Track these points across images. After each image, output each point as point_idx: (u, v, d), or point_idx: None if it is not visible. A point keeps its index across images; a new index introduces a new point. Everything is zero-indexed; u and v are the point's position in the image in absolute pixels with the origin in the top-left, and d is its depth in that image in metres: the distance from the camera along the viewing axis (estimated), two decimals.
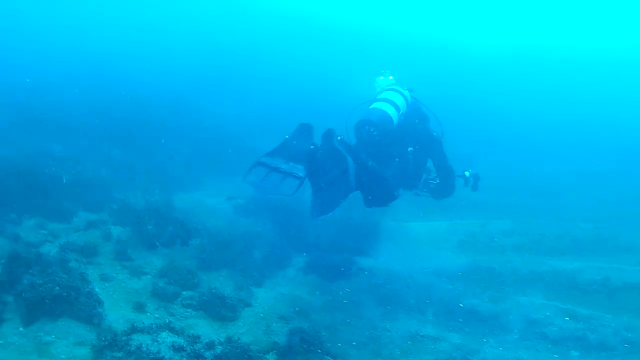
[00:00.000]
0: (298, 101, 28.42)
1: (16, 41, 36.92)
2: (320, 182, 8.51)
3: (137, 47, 42.50)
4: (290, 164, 8.51)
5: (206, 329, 9.97)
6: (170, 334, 9.11)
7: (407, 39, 60.75)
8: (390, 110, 9.48)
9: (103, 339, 8.45)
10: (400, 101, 9.78)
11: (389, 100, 9.67)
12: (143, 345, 8.34)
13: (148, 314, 10.13)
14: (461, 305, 11.41)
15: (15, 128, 19.31)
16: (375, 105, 9.67)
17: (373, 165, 8.85)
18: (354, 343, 10.09)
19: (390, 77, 11.03)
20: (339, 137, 8.47)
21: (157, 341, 8.68)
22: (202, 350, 8.83)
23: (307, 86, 34.71)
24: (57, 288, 9.24)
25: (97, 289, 10.18)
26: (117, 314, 9.77)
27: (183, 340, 8.96)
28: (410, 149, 9.78)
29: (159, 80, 30.17)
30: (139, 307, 10.20)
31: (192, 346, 8.85)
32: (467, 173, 10.33)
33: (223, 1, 65.15)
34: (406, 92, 10.10)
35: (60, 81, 26.38)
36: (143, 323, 9.17)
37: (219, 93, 30.00)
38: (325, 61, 45.44)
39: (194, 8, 62.69)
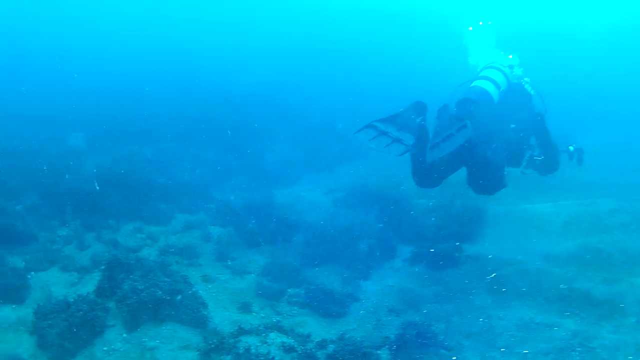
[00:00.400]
0: (392, 91, 27.60)
1: (103, 45, 37.48)
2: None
3: (225, 45, 42.58)
4: (401, 132, 8.24)
5: (315, 327, 9.45)
6: (279, 334, 8.57)
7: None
8: (490, 88, 9.25)
9: (210, 342, 8.03)
10: (500, 78, 9.52)
11: (489, 77, 9.44)
12: (252, 347, 7.82)
13: (254, 314, 9.68)
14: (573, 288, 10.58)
15: (108, 136, 19.21)
16: (475, 83, 9.44)
17: (494, 149, 8.67)
18: (467, 334, 9.43)
19: (510, 57, 10.69)
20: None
21: (266, 342, 8.14)
22: (313, 350, 8.27)
23: (401, 76, 33.84)
24: (160, 292, 8.90)
25: (200, 291, 9.77)
26: (222, 316, 9.35)
27: (293, 340, 8.41)
28: (512, 126, 9.36)
29: (250, 78, 29.83)
30: (245, 308, 9.75)
31: (303, 346, 8.30)
32: (571, 148, 10.06)
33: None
34: (507, 70, 9.86)
35: (147, 85, 26.34)
36: (250, 324, 8.68)
37: (310, 88, 29.45)
38: (417, 50, 44.41)
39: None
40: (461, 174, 9.46)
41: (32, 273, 10.59)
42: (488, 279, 10.98)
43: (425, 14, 61.65)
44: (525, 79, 10.32)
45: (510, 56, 10.69)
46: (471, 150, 8.39)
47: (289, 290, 10.36)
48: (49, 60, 31.66)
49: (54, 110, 21.74)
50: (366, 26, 55.13)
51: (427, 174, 8.73)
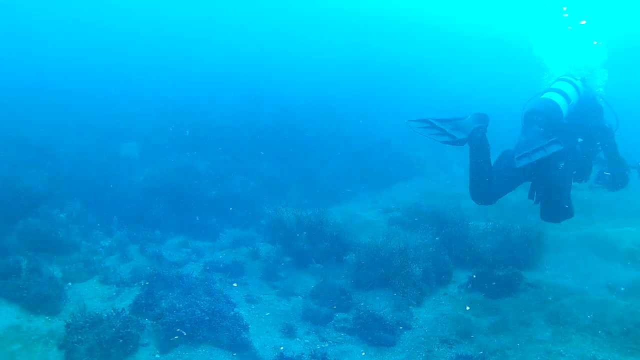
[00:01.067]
0: (449, 103, 26.92)
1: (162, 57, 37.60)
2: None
3: (281, 58, 42.35)
4: (454, 131, 8.19)
5: (362, 357, 8.77)
6: None
7: None
8: (559, 100, 9.08)
9: None
10: (570, 91, 9.36)
11: (559, 90, 9.28)
12: None
13: (298, 339, 9.02)
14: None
15: (162, 146, 18.92)
16: (545, 95, 9.27)
17: (562, 167, 8.60)
18: None
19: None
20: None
21: None
22: None
23: (455, 89, 33.15)
24: (199, 311, 8.35)
25: (242, 312, 9.20)
26: (263, 340, 8.71)
27: None
28: (579, 140, 9.28)
29: (308, 91, 29.45)
30: (289, 332, 9.09)
31: None
32: None
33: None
34: (578, 82, 9.65)
35: (204, 97, 26.11)
36: (293, 351, 8.06)
37: (370, 103, 28.93)
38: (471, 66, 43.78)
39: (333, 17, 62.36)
40: (521, 196, 9.39)
41: (70, 284, 10.20)
42: (547, 308, 10.17)
43: (485, 30, 61.45)
44: (599, 89, 10.29)
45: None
46: (542, 165, 8.35)
47: (336, 314, 9.67)
48: (108, 71, 31.77)
49: (110, 119, 21.66)
50: (426, 42, 54.68)
51: (487, 188, 8.55)
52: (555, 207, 8.74)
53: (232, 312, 8.80)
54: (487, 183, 8.47)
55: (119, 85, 27.92)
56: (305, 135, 20.65)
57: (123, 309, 8.72)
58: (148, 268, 10.54)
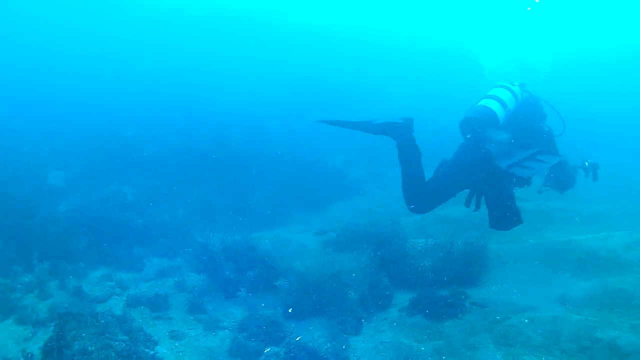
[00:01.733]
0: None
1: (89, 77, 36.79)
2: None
3: (214, 77, 41.72)
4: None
5: None
6: None
7: None
8: (495, 106, 9.04)
9: None
10: (506, 97, 9.29)
11: (495, 96, 9.23)
12: None
13: None
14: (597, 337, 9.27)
15: (89, 174, 18.18)
16: (480, 102, 9.20)
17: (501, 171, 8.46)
18: None
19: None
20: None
21: None
22: None
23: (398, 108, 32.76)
24: (113, 354, 7.68)
25: (164, 351, 8.58)
26: None
27: None
28: (512, 141, 9.21)
29: (239, 111, 28.87)
30: None
31: None
32: (586, 163, 9.91)
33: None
34: (516, 88, 9.56)
35: (133, 119, 25.34)
36: None
37: (303, 122, 28.38)
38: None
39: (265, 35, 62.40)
40: (462, 210, 9.34)
41: None
42: (496, 329, 9.70)
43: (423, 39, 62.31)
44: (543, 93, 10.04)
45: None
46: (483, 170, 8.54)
47: (266, 349, 9.10)
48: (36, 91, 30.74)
49: (40, 144, 20.96)
50: (365, 57, 54.77)
51: (419, 193, 8.72)
52: (504, 213, 8.79)
53: (152, 352, 8.17)
54: (419, 187, 8.64)
55: (49, 106, 26.99)
56: (240, 157, 20.11)
57: (32, 353, 8.04)
58: (65, 305, 9.87)
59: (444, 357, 9.08)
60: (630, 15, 56.97)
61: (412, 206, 8.85)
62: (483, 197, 9.00)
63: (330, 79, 40.16)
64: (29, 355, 7.92)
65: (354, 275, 11.19)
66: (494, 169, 8.40)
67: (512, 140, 9.23)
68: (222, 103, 30.97)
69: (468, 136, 9.11)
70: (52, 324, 9.55)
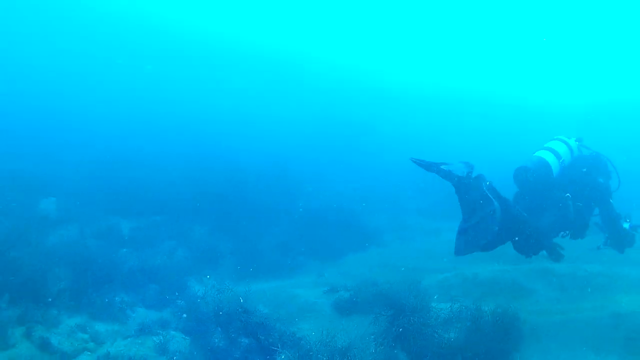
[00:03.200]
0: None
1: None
2: (466, 224, 8.74)
3: (232, 114, 40.45)
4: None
5: None
6: None
7: None
8: (550, 158, 9.52)
9: None
10: (562, 150, 9.76)
11: (551, 149, 9.69)
12: None
13: None
14: None
15: (86, 203, 16.75)
16: (537, 153, 9.68)
17: (519, 210, 8.90)
18: None
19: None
20: (487, 182, 8.61)
21: None
22: None
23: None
24: None
25: None
26: None
27: None
28: (567, 195, 9.48)
29: (257, 149, 27.42)
30: None
31: None
32: (625, 225, 9.94)
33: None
34: (572, 142, 10.03)
35: (148, 149, 23.91)
36: None
37: (322, 165, 26.90)
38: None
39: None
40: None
41: None
42: None
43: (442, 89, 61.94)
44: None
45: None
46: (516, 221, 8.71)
47: None
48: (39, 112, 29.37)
49: (36, 167, 19.43)
50: (380, 104, 53.86)
51: (475, 243, 8.77)
52: (531, 241, 9.02)
53: None
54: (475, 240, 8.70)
55: (51, 129, 25.60)
56: (251, 197, 18.66)
57: None
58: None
59: None
60: None
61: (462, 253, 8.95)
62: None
63: (352, 125, 38.83)
64: None
65: (366, 349, 9.50)
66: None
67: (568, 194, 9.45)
68: (236, 139, 29.53)
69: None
70: None
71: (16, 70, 45.82)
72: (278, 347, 8.94)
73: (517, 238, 9.09)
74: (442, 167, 8.87)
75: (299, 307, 11.65)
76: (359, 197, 22.18)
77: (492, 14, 55.86)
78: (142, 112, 35.15)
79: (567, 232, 9.87)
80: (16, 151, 20.89)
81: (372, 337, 9.98)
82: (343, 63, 68.67)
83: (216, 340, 9.26)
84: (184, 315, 10.46)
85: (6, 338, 9.54)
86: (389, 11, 59.74)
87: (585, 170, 9.91)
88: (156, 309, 11.39)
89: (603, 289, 12.20)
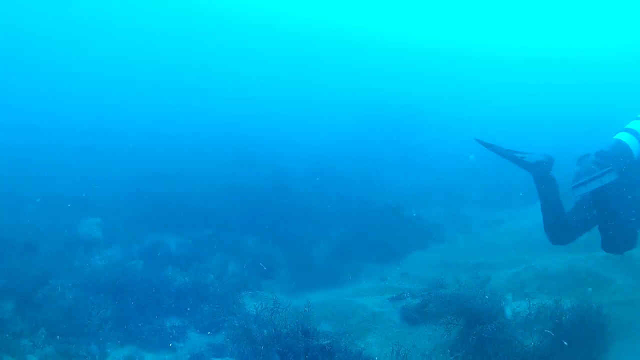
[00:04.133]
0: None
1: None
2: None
3: (274, 112, 39.50)
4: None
5: None
6: None
7: None
8: (628, 139, 8.74)
9: None
10: None
11: (632, 129, 8.89)
12: None
13: None
14: None
15: (131, 221, 16.26)
16: (616, 136, 8.95)
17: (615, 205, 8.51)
18: None
19: None
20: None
21: None
22: None
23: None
24: None
25: None
26: None
27: None
28: None
29: (304, 150, 26.38)
30: None
31: None
32: None
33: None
34: None
35: (189, 159, 23.13)
36: None
37: (371, 159, 25.79)
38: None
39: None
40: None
41: None
42: None
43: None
44: None
45: None
46: (607, 201, 8.39)
47: None
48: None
49: (73, 187, 18.68)
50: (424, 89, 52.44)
51: (562, 227, 8.94)
52: (616, 234, 8.62)
53: None
54: (560, 220, 8.87)
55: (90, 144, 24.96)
56: (301, 202, 17.80)
57: None
58: None
59: None
60: None
61: (553, 237, 9.11)
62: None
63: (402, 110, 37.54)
64: None
65: None
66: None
67: None
68: (287, 143, 28.32)
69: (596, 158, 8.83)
70: None
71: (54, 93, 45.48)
72: None
73: (608, 233, 8.71)
74: (516, 154, 8.99)
75: (364, 319, 10.63)
76: (411, 190, 21.19)
77: None
78: (182, 122, 34.42)
79: None
80: (55, 173, 20.23)
81: (448, 350, 8.99)
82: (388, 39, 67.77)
83: None
84: (239, 339, 9.54)
85: None
86: None
87: None
88: (210, 332, 10.53)
89: None
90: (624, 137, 8.79)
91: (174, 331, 10.38)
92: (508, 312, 9.73)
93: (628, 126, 8.99)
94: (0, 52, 52.46)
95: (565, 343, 8.37)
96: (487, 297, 10.08)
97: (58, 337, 9.76)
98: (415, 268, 14.22)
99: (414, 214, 17.51)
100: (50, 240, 14.11)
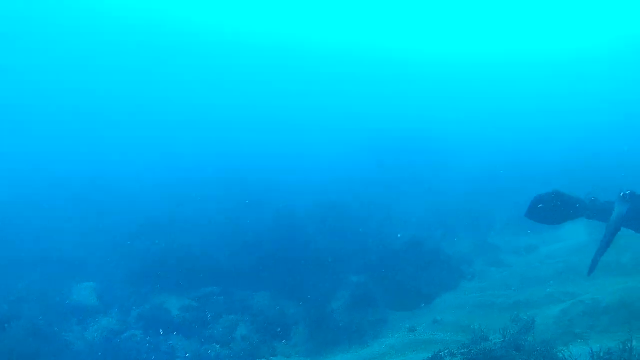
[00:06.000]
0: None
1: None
2: None
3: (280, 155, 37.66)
4: None
5: None
6: None
7: None
8: None
9: None
10: None
11: None
12: None
13: None
14: None
15: (125, 280, 14.93)
16: None
17: None
18: None
19: None
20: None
21: None
22: None
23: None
24: None
25: None
26: None
27: None
28: None
29: (310, 189, 24.66)
30: None
31: None
32: None
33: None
34: None
35: (190, 208, 21.53)
36: None
37: (384, 192, 24.10)
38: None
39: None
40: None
41: None
42: None
43: None
44: None
45: None
46: None
47: None
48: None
49: (65, 248, 17.15)
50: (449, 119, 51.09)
51: None
52: None
53: None
54: None
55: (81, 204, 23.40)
56: (312, 248, 15.94)
57: None
58: None
59: None
60: None
61: None
62: None
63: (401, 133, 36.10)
64: None
65: None
66: None
67: None
68: (291, 184, 26.44)
69: None
70: None
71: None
72: None
73: None
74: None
75: None
76: (433, 220, 19.64)
77: None
78: (174, 165, 32.89)
79: None
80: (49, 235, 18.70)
81: None
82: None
83: None
84: None
85: None
86: None
87: None
88: None
89: None
90: None
91: None
92: None
93: None
94: None
95: None
96: (538, 348, 8.67)
97: None
98: (448, 313, 12.69)
99: (439, 249, 15.97)
100: (41, 308, 12.97)
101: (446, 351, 9.91)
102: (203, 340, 11.51)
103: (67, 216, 20.61)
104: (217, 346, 11.28)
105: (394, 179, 25.69)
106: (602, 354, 8.19)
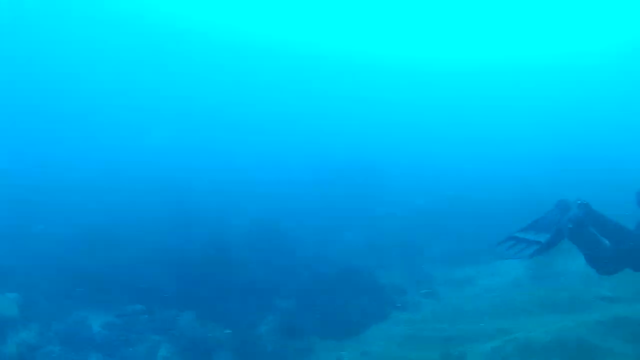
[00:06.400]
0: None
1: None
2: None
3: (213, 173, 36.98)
4: (539, 234, 8.39)
5: None
6: None
7: None
8: None
9: None
10: None
11: None
12: None
13: None
14: None
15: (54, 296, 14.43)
16: None
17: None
18: None
19: None
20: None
21: None
22: None
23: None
24: None
25: None
26: None
27: None
28: None
29: (246, 205, 24.42)
30: None
31: None
32: None
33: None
34: None
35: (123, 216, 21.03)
36: None
37: (320, 212, 23.87)
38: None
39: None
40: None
41: None
42: None
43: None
44: None
45: None
46: None
47: None
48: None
49: None
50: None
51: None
52: None
53: None
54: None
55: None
56: (243, 268, 15.87)
57: None
58: None
59: None
60: None
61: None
62: None
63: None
64: None
65: None
66: None
67: None
68: (227, 200, 26.10)
69: None
70: None
71: None
72: None
73: None
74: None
75: None
76: (367, 247, 19.57)
77: None
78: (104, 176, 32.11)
79: None
80: None
81: None
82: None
83: None
84: None
85: None
86: None
87: None
88: None
89: None
90: None
91: None
92: None
93: None
94: None
95: None
96: None
97: None
98: (378, 345, 12.58)
99: (373, 277, 15.83)
100: None
101: None
102: (126, 357, 11.21)
103: None
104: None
105: (335, 203, 25.53)
106: None
